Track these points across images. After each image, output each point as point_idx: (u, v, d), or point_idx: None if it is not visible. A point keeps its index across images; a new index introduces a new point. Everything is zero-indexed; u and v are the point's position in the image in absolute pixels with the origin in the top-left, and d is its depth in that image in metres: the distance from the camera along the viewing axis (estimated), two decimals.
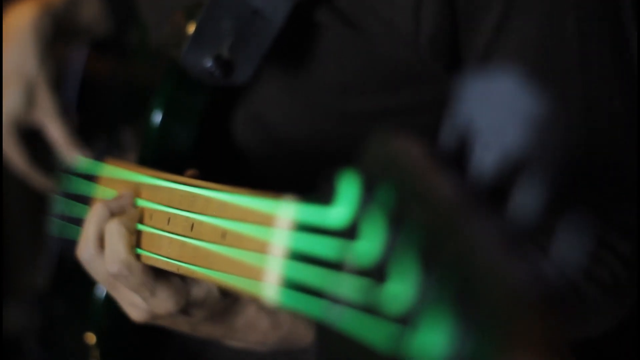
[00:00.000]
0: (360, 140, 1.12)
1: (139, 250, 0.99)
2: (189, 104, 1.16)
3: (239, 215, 0.78)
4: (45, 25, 1.34)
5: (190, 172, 1.05)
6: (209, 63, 1.08)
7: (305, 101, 1.13)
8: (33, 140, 1.36)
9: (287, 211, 0.70)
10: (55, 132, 1.32)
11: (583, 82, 1.00)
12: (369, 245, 0.59)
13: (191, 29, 1.12)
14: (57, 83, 1.34)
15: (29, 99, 1.33)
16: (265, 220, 0.73)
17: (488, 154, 0.58)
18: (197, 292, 0.99)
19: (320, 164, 1.16)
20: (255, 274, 0.72)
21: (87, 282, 1.23)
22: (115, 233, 0.98)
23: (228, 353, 1.24)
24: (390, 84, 1.09)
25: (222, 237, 0.80)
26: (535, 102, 0.56)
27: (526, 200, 0.54)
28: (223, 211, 0.81)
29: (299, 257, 0.67)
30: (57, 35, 1.35)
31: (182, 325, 1.03)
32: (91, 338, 1.22)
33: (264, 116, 1.16)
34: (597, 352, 1.11)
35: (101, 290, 1.20)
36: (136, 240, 0.99)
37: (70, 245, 1.23)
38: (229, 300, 1.01)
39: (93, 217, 1.01)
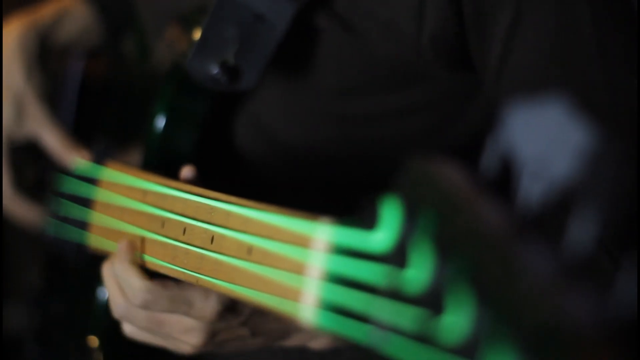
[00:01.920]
0: (359, 144, 1.14)
1: (150, 259, 0.99)
2: (191, 108, 1.16)
3: (266, 232, 0.78)
4: (30, 41, 1.37)
5: (186, 168, 1.05)
6: (215, 70, 1.08)
7: (305, 105, 1.13)
8: (25, 165, 1.37)
9: (324, 233, 0.70)
10: (50, 139, 1.33)
11: (603, 66, 1.01)
12: (419, 273, 0.60)
13: (196, 35, 1.12)
14: (48, 94, 1.35)
15: (19, 112, 1.35)
16: (299, 241, 0.73)
17: (536, 184, 0.59)
18: None
19: (319, 167, 1.17)
20: (289, 294, 0.73)
21: (85, 282, 1.23)
22: (121, 272, 1.01)
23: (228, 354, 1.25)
24: (390, 85, 1.10)
25: (248, 253, 0.80)
26: (585, 133, 0.57)
27: (580, 232, 0.55)
28: (247, 226, 0.82)
29: (339, 280, 0.67)
30: (44, 50, 1.37)
31: (241, 332, 1.03)
32: (94, 341, 1.22)
33: (264, 120, 1.16)
34: None
35: (103, 293, 1.20)
36: (143, 248, 1.00)
37: (66, 245, 1.23)
38: None
39: (107, 276, 1.05)
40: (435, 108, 1.12)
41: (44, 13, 1.40)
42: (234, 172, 1.20)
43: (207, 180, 1.07)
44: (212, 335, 1.01)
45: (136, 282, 1.00)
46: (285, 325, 1.03)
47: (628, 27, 1.03)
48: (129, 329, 1.07)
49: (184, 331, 1.02)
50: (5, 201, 1.39)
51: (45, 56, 1.38)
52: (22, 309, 1.44)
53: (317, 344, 1.06)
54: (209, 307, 0.99)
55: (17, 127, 1.36)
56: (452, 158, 0.65)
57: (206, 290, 0.97)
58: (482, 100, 1.12)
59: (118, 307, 1.04)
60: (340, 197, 1.17)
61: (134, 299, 1.01)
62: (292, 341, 1.06)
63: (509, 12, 1.00)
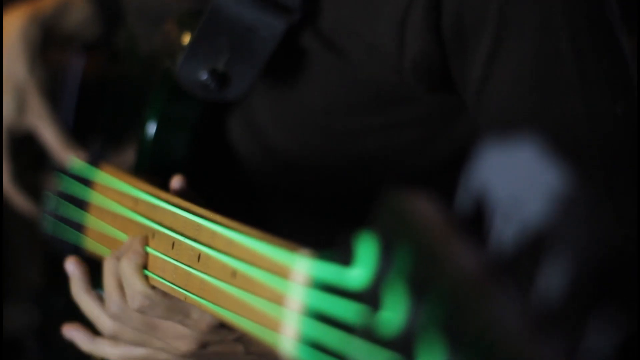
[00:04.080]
0: (345, 155, 1.13)
1: (145, 272, 0.99)
2: (182, 114, 1.16)
3: (249, 257, 0.78)
4: (33, 33, 1.35)
5: (176, 178, 1.05)
6: (204, 76, 1.08)
7: (294, 117, 1.14)
8: (24, 157, 1.36)
9: (303, 266, 0.70)
10: (48, 135, 1.33)
11: (583, 96, 1.00)
12: (393, 315, 0.60)
13: (186, 39, 1.11)
14: (50, 88, 1.35)
15: (20, 105, 1.34)
16: (279, 271, 0.73)
17: (508, 226, 0.58)
18: None
19: (310, 173, 1.17)
20: (270, 323, 0.73)
21: None
22: (127, 269, 1.00)
23: None
24: (374, 105, 1.10)
25: (232, 276, 0.80)
26: (557, 175, 0.56)
27: (551, 279, 0.55)
28: (231, 249, 0.81)
29: (317, 315, 0.67)
30: (46, 42, 1.36)
31: (235, 348, 1.02)
32: None
33: (257, 124, 1.16)
34: None
35: (100, 293, 1.20)
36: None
37: (64, 245, 1.23)
38: None
39: (107, 272, 1.03)
40: (419, 125, 1.12)
41: (46, 4, 1.39)
42: (227, 175, 1.20)
43: (200, 185, 1.07)
44: (203, 345, 1.01)
45: (139, 285, 0.99)
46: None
47: (609, 55, 1.01)
48: (116, 329, 1.05)
49: (176, 337, 1.02)
50: (5, 189, 1.39)
51: (47, 49, 1.37)
52: (23, 308, 1.45)
53: None
54: (205, 320, 0.98)
55: (17, 120, 1.35)
56: (428, 192, 0.64)
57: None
58: (466, 117, 1.11)
59: (113, 305, 1.03)
60: (332, 202, 1.17)
61: (132, 300, 1.01)
62: None
63: (489, 38, 0.99)
